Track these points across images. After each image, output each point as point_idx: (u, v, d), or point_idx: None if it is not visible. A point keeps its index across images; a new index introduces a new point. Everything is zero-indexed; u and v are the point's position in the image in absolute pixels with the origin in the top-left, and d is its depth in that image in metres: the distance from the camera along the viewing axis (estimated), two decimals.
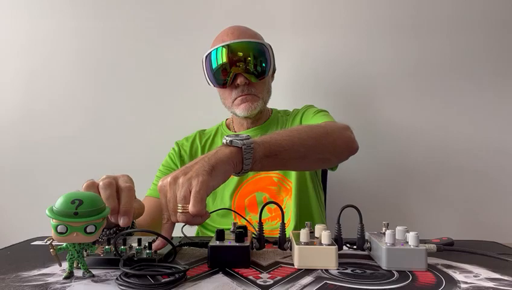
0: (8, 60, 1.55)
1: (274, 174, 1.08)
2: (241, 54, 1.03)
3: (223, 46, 1.04)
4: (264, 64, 1.06)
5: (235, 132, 1.18)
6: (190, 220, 0.61)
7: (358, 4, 1.48)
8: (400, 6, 1.47)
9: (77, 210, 0.51)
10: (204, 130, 1.23)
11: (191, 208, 0.58)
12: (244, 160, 0.66)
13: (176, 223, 0.63)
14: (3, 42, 1.55)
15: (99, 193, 0.60)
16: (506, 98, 1.46)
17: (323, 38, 1.49)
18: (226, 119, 1.23)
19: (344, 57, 1.49)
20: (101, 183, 0.61)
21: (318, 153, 0.81)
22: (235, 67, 1.03)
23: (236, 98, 1.07)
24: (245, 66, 1.03)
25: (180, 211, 0.59)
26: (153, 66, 1.53)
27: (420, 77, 1.47)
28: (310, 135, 0.80)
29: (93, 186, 0.62)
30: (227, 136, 0.68)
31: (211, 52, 1.06)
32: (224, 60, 1.04)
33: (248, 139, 0.67)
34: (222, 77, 1.06)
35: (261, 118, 1.17)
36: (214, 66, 1.06)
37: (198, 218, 0.60)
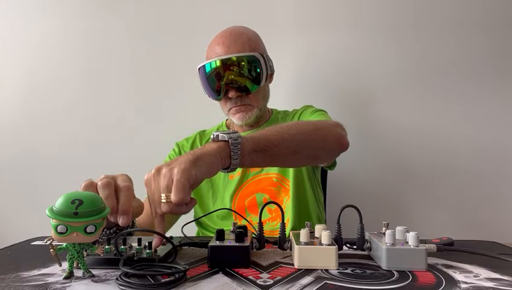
0: (7, 61, 1.55)
1: (273, 175, 1.08)
2: (231, 68, 1.03)
3: (213, 62, 1.03)
4: (255, 75, 1.05)
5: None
6: (174, 210, 0.60)
7: (361, 5, 1.48)
8: (402, 6, 1.47)
9: (77, 210, 0.51)
10: (205, 130, 1.23)
11: (173, 196, 0.58)
12: (232, 154, 0.66)
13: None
14: (3, 44, 1.55)
15: (97, 192, 0.60)
16: (507, 98, 1.45)
17: (325, 38, 1.49)
18: (226, 120, 1.23)
19: (346, 57, 1.49)
20: (99, 183, 0.61)
21: (308, 149, 0.81)
22: (226, 80, 1.03)
23: (231, 108, 1.08)
24: (235, 80, 1.03)
25: (164, 200, 0.59)
26: (153, 66, 1.52)
27: (422, 77, 1.47)
28: (300, 130, 0.80)
29: (91, 186, 0.62)
30: (214, 132, 0.68)
31: (203, 65, 1.07)
32: (215, 75, 1.04)
33: (235, 133, 0.67)
34: (215, 90, 1.07)
35: (261, 120, 1.17)
36: (206, 80, 1.07)
37: (183, 207, 0.60)
